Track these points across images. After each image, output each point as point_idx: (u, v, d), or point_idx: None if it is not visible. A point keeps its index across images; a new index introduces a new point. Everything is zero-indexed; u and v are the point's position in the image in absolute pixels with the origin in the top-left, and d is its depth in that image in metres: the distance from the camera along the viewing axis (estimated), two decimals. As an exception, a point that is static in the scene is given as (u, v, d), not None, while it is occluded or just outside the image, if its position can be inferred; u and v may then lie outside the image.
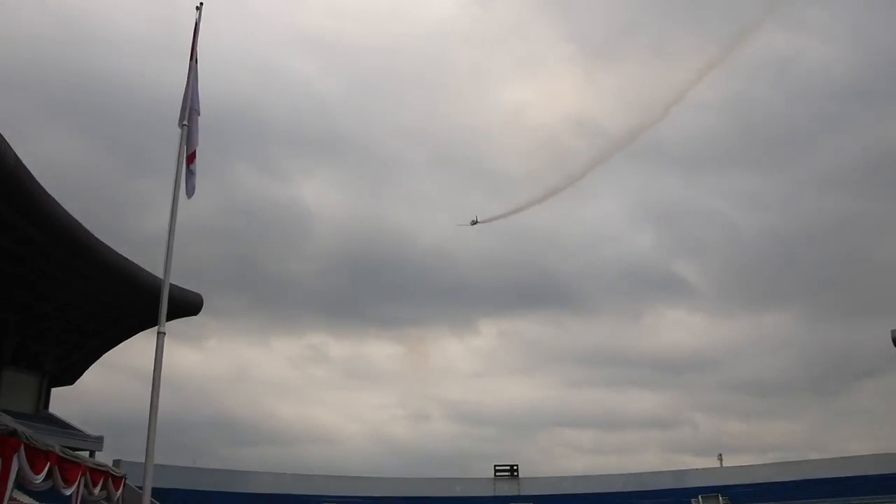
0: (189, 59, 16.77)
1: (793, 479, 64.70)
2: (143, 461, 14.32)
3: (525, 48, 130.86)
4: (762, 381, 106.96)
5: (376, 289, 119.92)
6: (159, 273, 16.89)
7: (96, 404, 77.23)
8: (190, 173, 16.19)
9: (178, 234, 15.85)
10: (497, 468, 73.43)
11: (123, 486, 16.58)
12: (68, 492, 12.61)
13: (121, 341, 54.98)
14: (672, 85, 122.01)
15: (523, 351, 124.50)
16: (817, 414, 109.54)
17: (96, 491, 14.31)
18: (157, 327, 15.27)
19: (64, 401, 55.07)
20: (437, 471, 76.09)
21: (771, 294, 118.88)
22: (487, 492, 71.15)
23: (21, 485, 11.03)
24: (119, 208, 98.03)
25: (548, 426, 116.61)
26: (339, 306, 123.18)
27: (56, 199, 36.92)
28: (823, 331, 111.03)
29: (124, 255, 44.87)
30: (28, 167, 33.54)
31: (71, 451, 13.09)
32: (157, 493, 16.61)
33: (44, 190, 35.46)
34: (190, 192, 16.37)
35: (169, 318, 16.18)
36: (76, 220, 39.22)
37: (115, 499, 15.92)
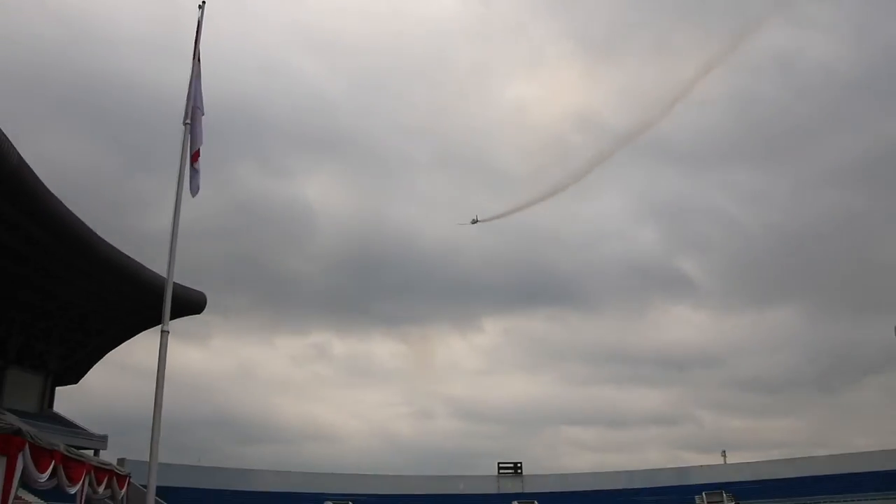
0: (192, 57, 16.79)
1: (797, 475, 64.67)
2: (148, 460, 14.36)
3: (527, 45, 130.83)
4: (766, 377, 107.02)
5: (380, 287, 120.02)
6: (163, 272, 16.88)
7: (100, 403, 77.43)
8: (194, 171, 16.20)
9: (181, 232, 15.87)
10: (501, 466, 73.47)
11: (128, 484, 16.59)
12: (73, 490, 12.63)
13: (124, 340, 55.06)
14: (675, 81, 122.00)
15: (527, 348, 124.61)
16: (822, 410, 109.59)
17: (101, 489, 14.33)
18: (160, 326, 15.28)
19: (68, 400, 55.23)
20: (440, 468, 76.47)
21: (775, 290, 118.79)
22: (491, 489, 71.19)
23: (26, 483, 11.03)
24: (122, 207, 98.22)
25: (552, 423, 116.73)
26: (343, 304, 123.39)
27: (59, 198, 36.97)
28: (828, 327, 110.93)
29: (128, 253, 44.93)
30: (31, 166, 33.59)
31: (75, 450, 13.10)
32: (161, 491, 16.64)
33: (47, 189, 35.49)
34: (194, 190, 16.37)
35: (172, 317, 16.19)
36: (79, 219, 39.25)
37: (120, 497, 15.94)
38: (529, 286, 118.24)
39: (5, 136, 30.79)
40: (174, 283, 15.92)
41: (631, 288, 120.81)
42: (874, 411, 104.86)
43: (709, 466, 71.82)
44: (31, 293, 44.50)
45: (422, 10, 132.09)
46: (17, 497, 10.35)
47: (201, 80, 16.84)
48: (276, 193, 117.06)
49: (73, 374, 54.77)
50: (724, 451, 74.79)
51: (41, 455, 10.53)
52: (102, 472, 14.44)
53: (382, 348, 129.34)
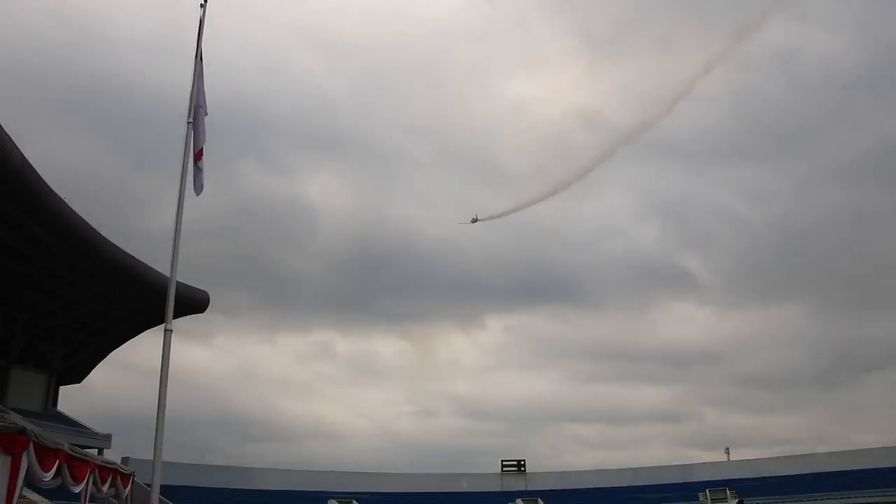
0: (194, 56, 16.80)
1: (800, 472, 64.67)
2: (151, 458, 14.38)
3: (529, 43, 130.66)
4: (770, 374, 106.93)
5: (382, 285, 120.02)
6: (166, 271, 16.87)
7: (104, 402, 77.40)
8: (198, 170, 16.22)
9: (184, 231, 15.87)
10: (504, 463, 73.57)
11: (132, 483, 16.63)
12: (77, 489, 12.66)
13: (128, 339, 55.15)
14: (677, 78, 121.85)
15: (530, 346, 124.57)
16: (825, 407, 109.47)
17: (105, 488, 14.35)
18: (164, 325, 15.30)
19: (72, 399, 55.36)
20: (444, 466, 76.56)
21: (778, 288, 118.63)
22: (495, 487, 71.26)
23: (30, 482, 11.07)
24: (125, 207, 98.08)
25: (555, 421, 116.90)
26: (346, 303, 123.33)
27: (62, 197, 37.04)
28: (831, 324, 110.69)
29: (131, 253, 44.98)
30: (34, 166, 33.64)
31: (79, 449, 13.13)
32: (164, 489, 16.69)
33: (50, 189, 35.56)
34: (198, 189, 16.40)
35: (176, 316, 16.21)
36: (82, 219, 39.32)
37: (124, 496, 15.97)
38: (532, 284, 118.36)
39: (8, 136, 30.84)
40: (177, 282, 15.92)
41: (634, 285, 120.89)
42: (877, 408, 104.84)
43: (712, 463, 71.86)
44: (34, 293, 44.58)
45: (423, 8, 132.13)
46: (21, 496, 10.37)
47: (204, 78, 16.85)
48: (278, 192, 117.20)
49: (77, 373, 54.88)
50: (727, 448, 75.00)
51: (45, 454, 10.55)
52: (106, 471, 14.47)
53: (385, 346, 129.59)
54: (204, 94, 16.72)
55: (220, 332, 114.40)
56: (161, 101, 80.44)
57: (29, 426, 10.05)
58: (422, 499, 66.46)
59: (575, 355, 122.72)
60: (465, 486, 70.09)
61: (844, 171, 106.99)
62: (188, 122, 16.28)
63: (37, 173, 33.97)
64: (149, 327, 52.79)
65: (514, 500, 66.92)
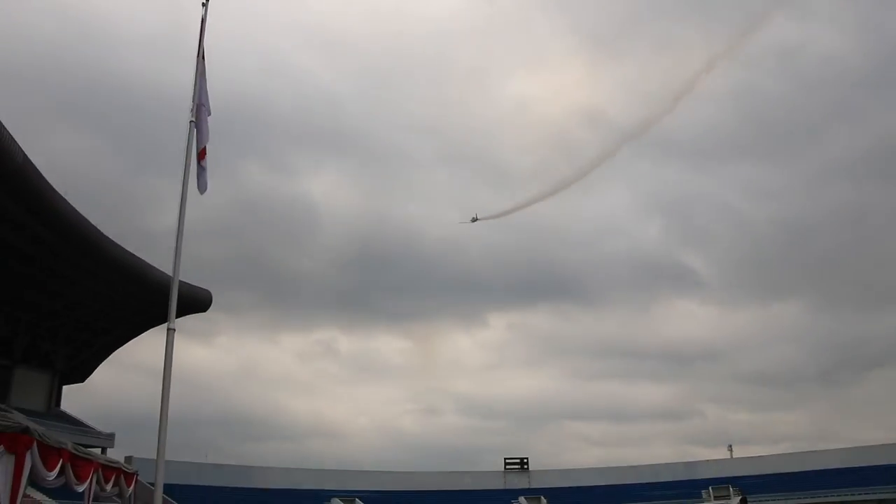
0: (196, 55, 16.79)
1: (803, 469, 64.61)
2: (155, 457, 14.40)
3: (530, 42, 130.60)
4: (772, 372, 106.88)
5: (385, 283, 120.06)
6: (168, 270, 16.89)
7: (107, 401, 77.56)
8: (201, 169, 16.20)
9: (187, 231, 15.87)
10: (507, 461, 73.62)
11: (135, 482, 16.63)
12: (81, 488, 12.65)
13: (130, 338, 55.25)
14: (679, 76, 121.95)
15: (532, 344, 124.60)
16: (828, 404, 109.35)
17: (108, 487, 14.33)
18: (166, 324, 15.30)
19: (75, 398, 55.52)
20: (447, 464, 76.45)
21: (780, 284, 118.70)
22: (498, 485, 71.27)
23: (34, 482, 11.07)
24: (128, 206, 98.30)
25: (558, 419, 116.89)
26: (348, 301, 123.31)
27: (64, 197, 37.07)
28: (833, 321, 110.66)
29: (133, 252, 45.03)
30: (36, 165, 33.69)
31: (83, 448, 13.12)
32: (167, 488, 16.70)
33: (52, 188, 35.61)
34: (202, 188, 16.38)
35: (178, 315, 16.20)
36: (85, 218, 39.37)
37: (128, 495, 15.96)
38: (534, 281, 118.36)
39: (10, 134, 30.89)
40: (180, 282, 15.92)
41: (636, 283, 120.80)
42: (880, 405, 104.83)
43: (715, 461, 71.85)
44: (37, 293, 44.64)
45: (424, 8, 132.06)
46: (25, 495, 10.37)
47: (206, 78, 16.84)
48: (280, 191, 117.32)
49: (80, 372, 54.99)
50: (730, 446, 75.01)
51: (49, 453, 10.55)
52: (110, 470, 14.45)
53: (388, 345, 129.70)
54: (207, 93, 16.70)
55: (222, 331, 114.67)
56: (163, 100, 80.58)
57: (32, 425, 10.05)
58: (424, 497, 66.47)
59: (577, 353, 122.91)
60: (468, 484, 70.11)
61: (847, 168, 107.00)
62: (190, 122, 16.28)
63: (38, 172, 34.03)
64: (151, 326, 52.86)
65: (516, 498, 66.93)
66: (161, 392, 14.56)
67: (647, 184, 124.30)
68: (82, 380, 55.82)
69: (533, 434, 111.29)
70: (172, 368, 14.75)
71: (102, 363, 56.50)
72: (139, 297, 47.14)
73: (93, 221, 40.28)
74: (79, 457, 12.12)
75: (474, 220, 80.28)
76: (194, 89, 16.46)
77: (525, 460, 73.43)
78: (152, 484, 14.81)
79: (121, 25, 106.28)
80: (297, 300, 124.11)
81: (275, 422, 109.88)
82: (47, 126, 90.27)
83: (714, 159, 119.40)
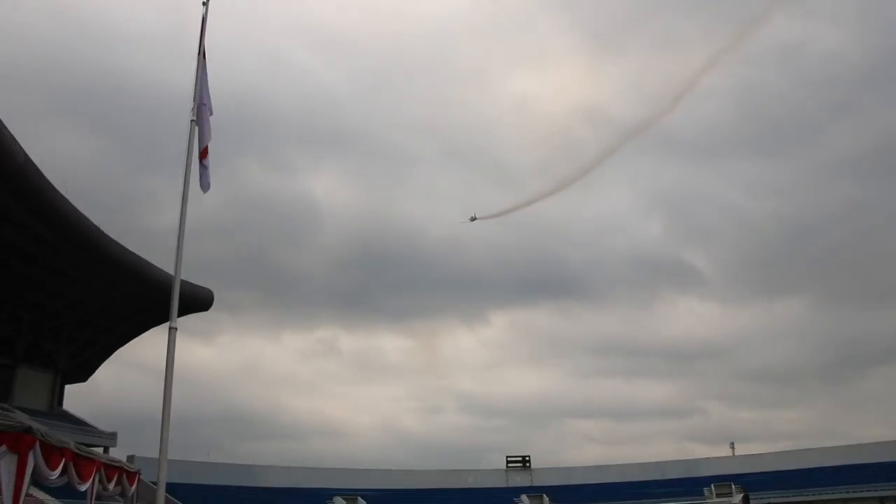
0: (197, 54, 16.77)
1: (806, 467, 64.62)
2: (157, 456, 14.40)
3: (532, 39, 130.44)
4: (774, 369, 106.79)
5: (386, 281, 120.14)
6: (170, 269, 16.88)
7: (109, 401, 77.73)
8: (203, 168, 16.18)
9: (188, 230, 15.85)
10: (509, 459, 73.61)
11: (137, 481, 16.63)
12: (83, 488, 12.65)
13: (132, 338, 55.29)
14: (680, 73, 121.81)
15: (534, 341, 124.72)
16: (830, 401, 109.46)
17: (111, 486, 14.34)
18: (168, 323, 15.29)
19: (77, 398, 55.65)
20: (449, 462, 76.26)
21: (782, 281, 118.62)
22: (500, 483, 71.28)
23: (37, 481, 11.10)
24: (129, 205, 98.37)
25: (559, 417, 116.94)
26: (350, 300, 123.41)
27: (65, 196, 37.09)
28: (836, 318, 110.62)
29: (135, 251, 45.05)
30: (37, 164, 33.71)
31: (85, 448, 13.14)
32: (170, 487, 16.72)
33: (53, 187, 35.64)
34: (205, 186, 16.35)
35: (180, 314, 16.20)
36: (86, 217, 39.40)
37: (130, 494, 15.96)
38: (536, 279, 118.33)
39: (11, 134, 30.91)
40: (181, 281, 15.91)
41: (638, 280, 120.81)
42: (882, 402, 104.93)
43: (717, 458, 71.82)
44: (39, 292, 44.68)
45: (426, 6, 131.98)
46: (28, 494, 10.39)
47: (208, 77, 16.82)
48: (282, 190, 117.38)
49: (82, 372, 55.06)
50: (732, 443, 74.98)
51: (51, 453, 10.55)
52: (112, 469, 14.45)
53: (390, 343, 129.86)
54: (208, 92, 16.68)
55: (224, 330, 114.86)
56: (164, 100, 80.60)
57: (35, 425, 10.06)
58: (426, 495, 66.50)
59: (579, 351, 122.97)
60: (470, 482, 70.12)
61: (849, 165, 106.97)
62: (191, 121, 16.26)
63: (40, 171, 34.05)
64: (153, 326, 52.91)
65: (518, 496, 67.03)
66: (163, 391, 14.55)
67: (648, 181, 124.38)
68: (84, 379, 55.91)
69: (535, 432, 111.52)
70: (174, 367, 14.73)
71: (104, 362, 56.61)
72: (140, 296, 47.17)
73: (94, 220, 40.35)
74: (81, 456, 12.12)
75: (473, 219, 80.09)
76: (195, 88, 16.44)
77: (527, 458, 73.43)
78: (154, 483, 14.81)
79: (121, 25, 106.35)
80: (298, 299, 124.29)
81: (277, 420, 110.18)
82: (48, 126, 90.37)
83: (716, 157, 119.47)
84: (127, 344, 55.95)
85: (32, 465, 9.76)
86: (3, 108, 29.96)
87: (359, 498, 62.81)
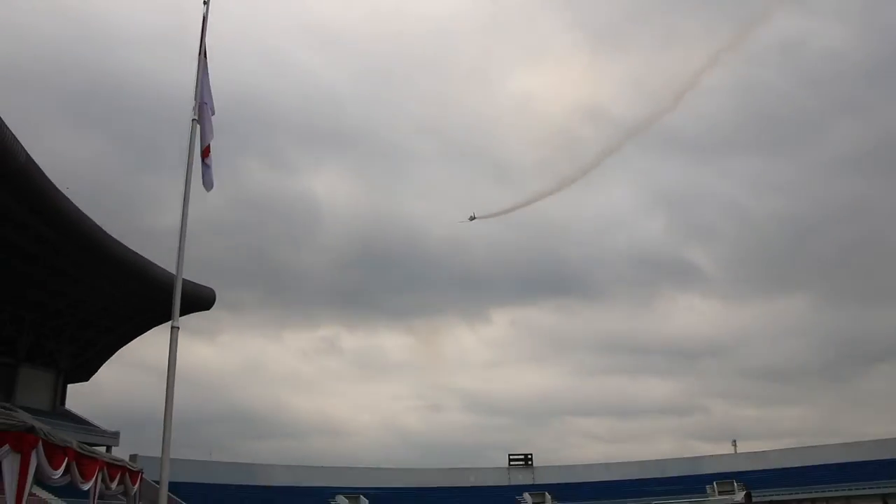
0: (198, 53, 16.76)
1: (808, 464, 64.60)
2: (159, 455, 14.41)
3: (532, 38, 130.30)
4: (776, 366, 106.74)
5: (388, 280, 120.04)
6: (172, 268, 16.89)
7: (111, 400, 77.84)
8: (206, 167, 16.16)
9: (190, 229, 15.85)
10: (511, 457, 73.66)
11: (140, 480, 16.65)
12: (86, 487, 12.67)
13: (134, 337, 55.34)
14: (681, 70, 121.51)
15: (536, 340, 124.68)
16: (832, 399, 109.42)
17: (114, 485, 14.36)
18: (170, 322, 15.29)
19: (80, 397, 55.69)
20: (451, 461, 76.35)
21: (784, 279, 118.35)
22: (502, 481, 71.32)
23: (40, 480, 11.11)
24: (131, 205, 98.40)
25: (561, 415, 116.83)
26: (352, 298, 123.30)
27: (67, 196, 37.11)
28: (837, 315, 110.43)
29: (136, 251, 45.08)
30: (39, 164, 33.74)
31: (88, 447, 13.15)
32: (172, 486, 16.74)
33: (54, 187, 35.66)
34: (208, 185, 16.33)
35: (182, 313, 16.23)
36: (87, 217, 39.42)
37: (133, 493, 16.00)
38: (537, 278, 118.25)
39: (12, 133, 30.93)
40: (183, 280, 15.92)
41: (639, 278, 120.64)
42: (885, 399, 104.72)
43: (719, 456, 71.85)
44: (41, 292, 44.73)
45: (427, 4, 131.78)
46: (31, 493, 10.41)
47: (209, 76, 16.80)
48: (284, 189, 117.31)
49: (85, 371, 55.13)
50: (734, 441, 74.89)
51: (54, 452, 10.57)
52: (115, 468, 14.48)
53: (391, 341, 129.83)
54: (210, 91, 16.66)
55: (225, 329, 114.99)
56: (168, 98, 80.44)
57: (38, 424, 10.08)
58: (429, 493, 66.58)
59: (581, 349, 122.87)
60: (472, 481, 70.17)
61: (851, 162, 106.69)
62: (193, 120, 16.26)
63: (41, 172, 34.08)
64: (155, 325, 52.95)
65: (521, 494, 67.01)
66: (165, 390, 14.57)
67: (649, 179, 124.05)
68: (87, 378, 55.97)
69: (537, 430, 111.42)
70: (176, 367, 14.74)
71: (107, 362, 56.66)
72: (142, 296, 47.20)
73: (95, 220, 40.37)
74: (84, 455, 12.15)
75: (472, 218, 79.89)
76: (196, 88, 16.44)
77: (529, 456, 73.48)
78: (157, 482, 14.82)
79: (121, 26, 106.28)
80: (300, 297, 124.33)
81: (279, 419, 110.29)
82: (48, 126, 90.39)
83: (717, 155, 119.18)
84: (129, 343, 56.02)
85: (35, 465, 9.78)
86: (4, 109, 29.96)
87: (361, 496, 62.86)
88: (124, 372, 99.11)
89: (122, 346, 56.14)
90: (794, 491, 60.29)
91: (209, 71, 16.87)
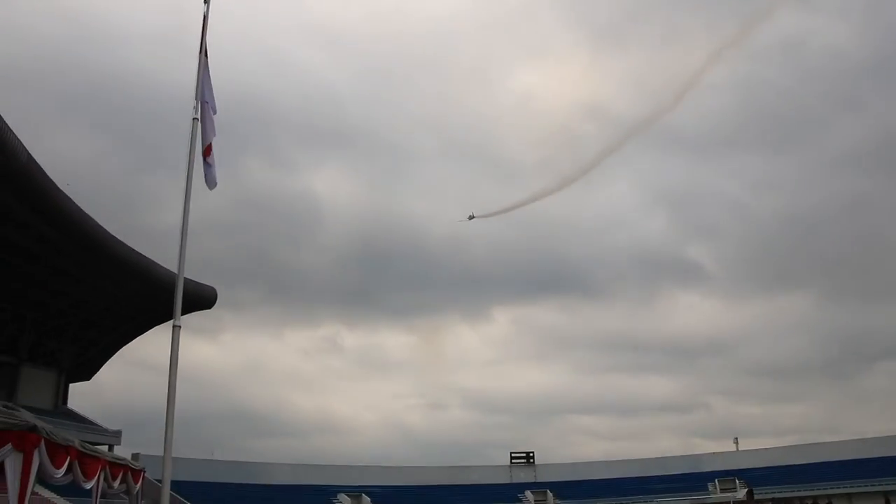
0: (199, 52, 16.76)
1: (810, 461, 64.64)
2: (161, 454, 14.43)
3: (533, 36, 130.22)
4: (777, 364, 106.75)
5: (389, 278, 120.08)
6: (173, 267, 16.90)
7: (114, 399, 77.90)
8: (208, 166, 16.16)
9: (191, 228, 15.85)
10: (513, 455, 73.73)
11: (142, 479, 16.70)
12: (88, 485, 12.71)
13: (136, 336, 55.32)
14: (682, 68, 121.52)
15: (537, 338, 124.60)
16: (834, 396, 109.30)
17: (116, 484, 14.42)
18: (172, 321, 15.30)
19: (82, 396, 55.68)
20: (453, 459, 76.49)
21: (785, 276, 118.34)
22: (504, 479, 71.40)
23: (42, 479, 11.13)
24: (132, 204, 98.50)
25: (563, 413, 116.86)
26: (353, 297, 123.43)
27: (68, 195, 37.09)
28: (839, 312, 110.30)
29: (138, 250, 45.07)
30: (40, 164, 33.72)
31: (90, 446, 13.18)
32: (174, 485, 16.75)
33: (56, 186, 35.63)
34: (211, 184, 16.32)
35: (184, 312, 16.22)
36: (89, 216, 39.39)
37: (135, 492, 16.05)
38: (539, 275, 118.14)
39: (14, 133, 30.92)
40: (185, 279, 15.94)
41: (641, 276, 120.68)
42: (886, 397, 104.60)
43: (721, 453, 71.86)
44: (42, 291, 44.73)
45: (428, 3, 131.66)
46: (34, 492, 10.43)
47: (210, 75, 16.80)
48: (285, 187, 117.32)
49: (87, 370, 55.15)
50: (736, 438, 74.94)
51: (57, 451, 10.60)
52: (117, 467, 14.53)
53: (393, 340, 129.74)
54: (211, 88, 16.65)
55: (227, 328, 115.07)
56: (168, 97, 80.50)
57: (40, 424, 10.11)
58: (431, 492, 66.65)
59: (582, 347, 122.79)
60: (474, 479, 70.25)
61: (852, 159, 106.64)
62: (194, 119, 16.26)
63: (42, 171, 34.05)
64: (157, 324, 52.91)
65: (523, 493, 67.13)
66: (167, 389, 14.58)
67: (651, 178, 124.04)
68: (89, 377, 55.99)
69: (539, 428, 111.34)
70: (178, 365, 14.76)
71: (108, 361, 56.67)
72: (144, 295, 47.17)
73: (97, 219, 40.32)
74: (86, 454, 12.18)
75: (471, 217, 79.77)
76: (197, 86, 16.44)
77: (531, 454, 73.55)
78: (159, 480, 14.85)
79: (124, 22, 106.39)
80: (301, 296, 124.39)
81: (280, 418, 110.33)
82: (48, 126, 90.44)
83: (719, 153, 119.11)
84: (131, 342, 56.03)
85: (38, 464, 9.81)
86: (4, 109, 29.92)
87: (363, 495, 62.97)
88: (126, 371, 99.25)
89: (123, 346, 56.14)
90: (797, 488, 60.22)
91: (210, 70, 16.87)
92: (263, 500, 59.48)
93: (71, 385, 53.68)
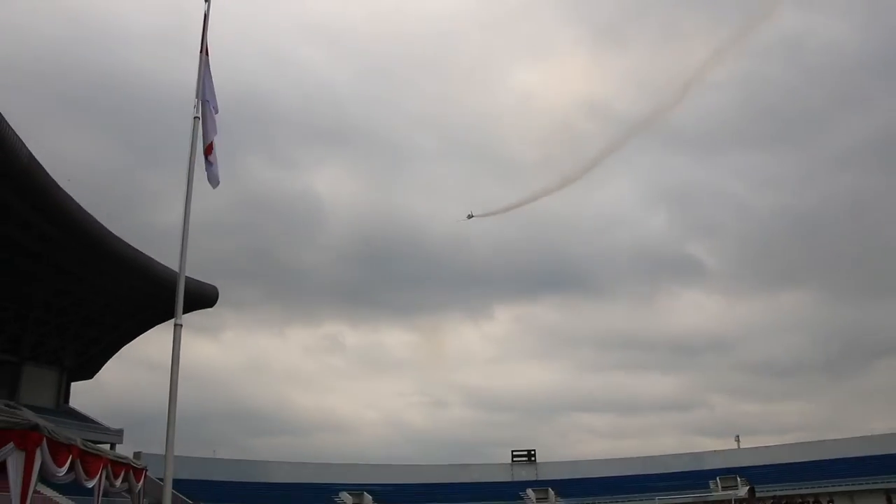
0: (199, 51, 16.73)
1: (811, 459, 64.60)
2: (163, 453, 14.43)
3: (534, 33, 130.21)
4: (778, 361, 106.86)
5: (391, 277, 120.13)
6: (175, 266, 16.89)
7: (115, 398, 77.98)
8: (209, 164, 16.14)
9: (192, 226, 15.85)
10: (514, 453, 73.72)
11: (144, 477, 16.70)
12: (90, 484, 12.71)
13: (138, 335, 55.36)
14: (683, 66, 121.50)
15: (539, 336, 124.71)
16: (835, 394, 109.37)
17: (118, 483, 14.41)
18: (173, 320, 15.30)
19: (84, 395, 55.76)
20: (454, 457, 76.75)
21: (786, 274, 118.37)
22: (505, 477, 71.41)
23: (44, 478, 11.15)
24: (133, 203, 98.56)
25: (564, 411, 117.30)
26: (355, 295, 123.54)
27: (70, 194, 37.14)
28: (840, 310, 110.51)
29: (140, 249, 45.10)
30: (42, 163, 33.76)
31: (92, 445, 13.20)
32: (176, 483, 16.79)
33: (57, 185, 35.69)
34: (213, 182, 16.28)
35: (185, 311, 16.20)
36: (90, 215, 39.44)
37: (137, 490, 16.04)
38: (540, 274, 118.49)
39: (15, 133, 30.96)
40: (186, 277, 15.93)
41: (642, 274, 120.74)
42: (887, 394, 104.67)
43: (722, 451, 71.86)
44: (44, 290, 44.77)
45: (428, 2, 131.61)
46: (36, 491, 10.44)
47: (211, 73, 16.78)
48: (286, 186, 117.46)
49: (88, 369, 55.19)
50: (737, 436, 74.95)
51: (59, 450, 10.60)
52: (119, 465, 14.52)
53: (395, 338, 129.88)
54: (212, 87, 16.62)
55: (229, 327, 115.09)
56: (170, 95, 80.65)
57: (42, 422, 10.12)
58: (432, 489, 66.65)
59: (584, 345, 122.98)
60: (475, 477, 70.28)
61: (852, 157, 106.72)
62: (195, 118, 16.24)
63: (44, 170, 34.10)
64: (158, 322, 52.97)
65: (524, 491, 67.15)
66: (169, 388, 14.58)
67: (652, 175, 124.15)
68: (90, 376, 56.03)
69: (540, 426, 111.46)
70: (180, 364, 14.75)
71: (110, 360, 56.72)
72: (146, 293, 47.22)
73: (99, 218, 40.36)
74: (88, 453, 12.18)
75: (470, 217, 79.63)
76: (198, 85, 16.42)
77: (532, 452, 73.56)
78: (161, 479, 14.86)
79: (125, 21, 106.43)
80: (303, 295, 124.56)
81: (282, 416, 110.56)
82: (49, 126, 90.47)
83: (720, 150, 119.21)
84: (133, 341, 56.08)
85: (40, 462, 9.81)
86: (4, 109, 29.96)
87: (365, 493, 63.01)
88: (128, 370, 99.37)
89: (125, 344, 56.18)
90: (798, 486, 60.30)
91: (211, 69, 16.85)
92: (265, 499, 59.49)
93: (73, 384, 53.76)
